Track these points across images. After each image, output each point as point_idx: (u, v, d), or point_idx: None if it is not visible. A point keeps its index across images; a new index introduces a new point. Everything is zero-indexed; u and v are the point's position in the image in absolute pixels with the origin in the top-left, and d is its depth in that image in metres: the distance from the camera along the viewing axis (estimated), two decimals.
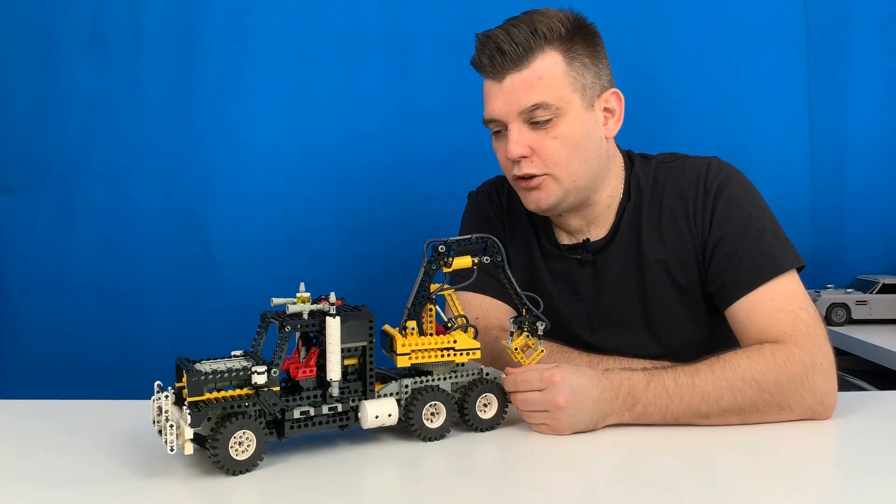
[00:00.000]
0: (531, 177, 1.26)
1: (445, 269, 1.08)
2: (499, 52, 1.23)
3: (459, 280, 1.12)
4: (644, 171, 1.34)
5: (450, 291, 1.11)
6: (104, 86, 1.96)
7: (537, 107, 1.23)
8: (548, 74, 1.23)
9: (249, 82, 1.97)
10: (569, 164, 1.25)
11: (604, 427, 1.09)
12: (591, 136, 1.28)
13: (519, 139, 1.24)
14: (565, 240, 1.38)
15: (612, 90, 1.30)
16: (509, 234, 1.42)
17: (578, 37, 1.26)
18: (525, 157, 1.25)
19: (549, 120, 1.23)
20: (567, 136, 1.24)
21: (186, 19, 1.96)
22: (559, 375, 1.06)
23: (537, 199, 1.28)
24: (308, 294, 1.01)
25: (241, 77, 1.97)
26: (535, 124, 1.24)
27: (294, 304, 1.00)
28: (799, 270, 1.24)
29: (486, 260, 1.10)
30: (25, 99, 1.97)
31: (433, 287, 1.08)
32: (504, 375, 1.11)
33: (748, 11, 2.03)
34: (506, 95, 1.24)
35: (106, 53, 1.96)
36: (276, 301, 1.02)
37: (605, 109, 1.30)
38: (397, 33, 1.98)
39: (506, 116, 1.25)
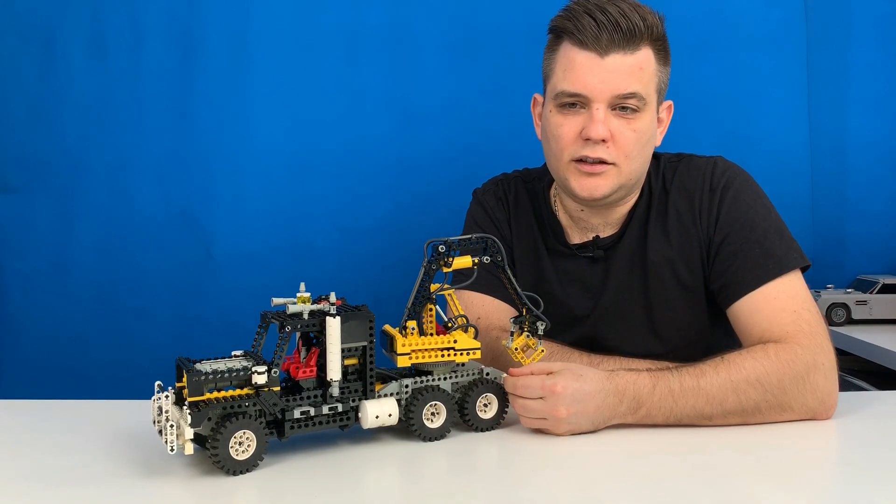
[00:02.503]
0: (599, 162, 1.24)
1: (445, 269, 1.08)
2: (612, 27, 1.19)
3: (460, 280, 1.12)
4: (654, 169, 1.34)
5: (450, 291, 1.11)
6: (104, 86, 1.96)
7: (633, 95, 1.21)
8: (647, 67, 1.23)
9: (249, 82, 1.97)
10: (635, 160, 1.25)
11: (605, 427, 1.09)
12: (653, 139, 1.29)
13: (606, 120, 1.22)
14: (575, 238, 1.38)
15: (669, 102, 1.32)
16: (515, 234, 1.42)
17: (665, 43, 1.27)
18: (605, 140, 1.22)
19: (635, 112, 1.23)
20: (643, 132, 1.24)
21: (186, 19, 1.96)
22: (561, 385, 1.05)
23: (595, 186, 1.25)
24: (308, 294, 1.01)
25: (241, 77, 1.97)
26: (619, 111, 1.22)
27: (294, 304, 1.00)
28: (804, 270, 1.24)
29: (487, 260, 1.10)
30: (25, 99, 1.97)
31: (433, 287, 1.08)
32: (505, 376, 1.11)
33: (748, 11, 2.03)
34: (606, 73, 1.21)
35: (106, 53, 1.96)
36: (277, 301, 1.02)
37: (658, 118, 1.31)
38: (397, 33, 1.98)
39: (598, 95, 1.22)
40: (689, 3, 2.01)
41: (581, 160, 1.24)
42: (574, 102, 1.24)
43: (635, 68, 1.22)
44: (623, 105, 1.22)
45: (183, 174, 1.97)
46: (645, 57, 1.23)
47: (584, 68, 1.22)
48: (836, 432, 1.10)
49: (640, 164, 1.27)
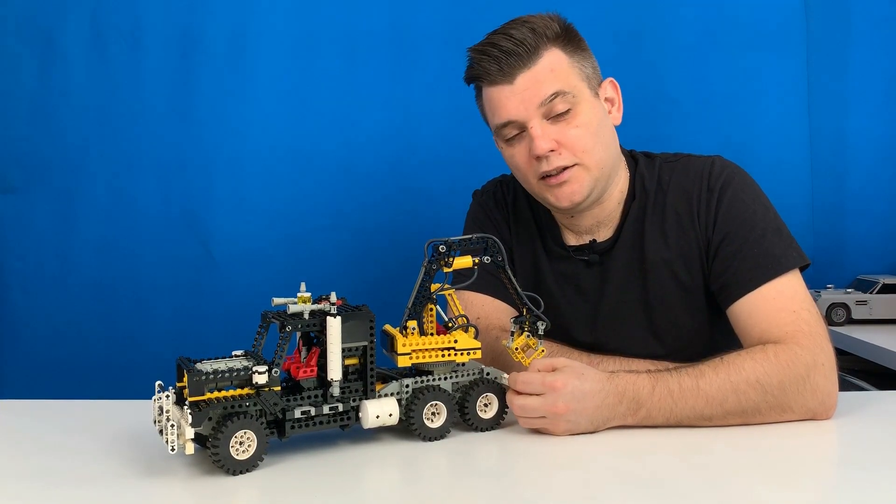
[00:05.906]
0: (562, 170, 1.25)
1: (446, 269, 1.08)
2: (505, 54, 1.23)
3: (460, 280, 1.12)
4: (648, 170, 1.34)
5: (450, 291, 1.11)
6: (104, 86, 1.96)
7: (556, 95, 1.23)
8: (557, 67, 1.24)
9: (249, 82, 1.97)
10: (595, 151, 1.26)
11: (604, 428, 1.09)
12: (605, 123, 1.30)
13: (544, 134, 1.24)
14: (572, 241, 1.38)
15: (609, 79, 1.33)
16: (514, 235, 1.42)
17: (570, 34, 1.29)
18: (553, 150, 1.24)
19: (568, 110, 1.24)
20: (587, 124, 1.25)
21: (186, 19, 1.96)
22: (561, 381, 1.05)
23: (571, 193, 1.26)
24: (309, 294, 1.01)
25: (241, 77, 1.97)
26: (554, 117, 1.24)
27: (295, 303, 1.00)
28: (803, 269, 1.24)
29: (487, 260, 1.10)
30: (25, 99, 1.97)
31: (434, 287, 1.08)
32: (507, 376, 1.11)
33: (748, 11, 2.03)
34: (520, 94, 1.24)
35: (106, 53, 1.96)
36: (277, 301, 1.02)
37: (606, 99, 1.32)
38: (397, 34, 1.98)
39: (525, 115, 1.24)
40: (689, 4, 2.01)
41: (546, 176, 1.26)
42: (515, 132, 1.27)
43: (544, 73, 1.24)
44: (553, 111, 1.24)
45: (183, 173, 1.97)
46: (550, 60, 1.24)
47: (502, 99, 1.25)
48: (836, 432, 1.10)
49: (603, 150, 1.28)
